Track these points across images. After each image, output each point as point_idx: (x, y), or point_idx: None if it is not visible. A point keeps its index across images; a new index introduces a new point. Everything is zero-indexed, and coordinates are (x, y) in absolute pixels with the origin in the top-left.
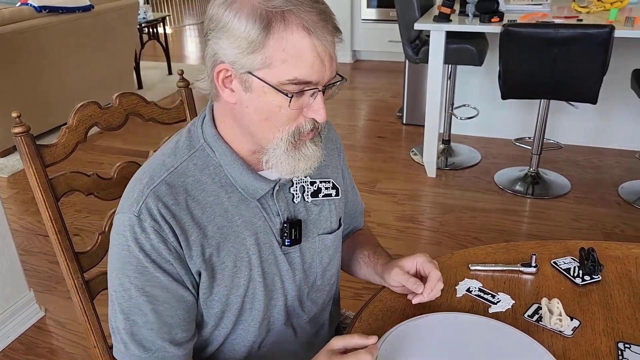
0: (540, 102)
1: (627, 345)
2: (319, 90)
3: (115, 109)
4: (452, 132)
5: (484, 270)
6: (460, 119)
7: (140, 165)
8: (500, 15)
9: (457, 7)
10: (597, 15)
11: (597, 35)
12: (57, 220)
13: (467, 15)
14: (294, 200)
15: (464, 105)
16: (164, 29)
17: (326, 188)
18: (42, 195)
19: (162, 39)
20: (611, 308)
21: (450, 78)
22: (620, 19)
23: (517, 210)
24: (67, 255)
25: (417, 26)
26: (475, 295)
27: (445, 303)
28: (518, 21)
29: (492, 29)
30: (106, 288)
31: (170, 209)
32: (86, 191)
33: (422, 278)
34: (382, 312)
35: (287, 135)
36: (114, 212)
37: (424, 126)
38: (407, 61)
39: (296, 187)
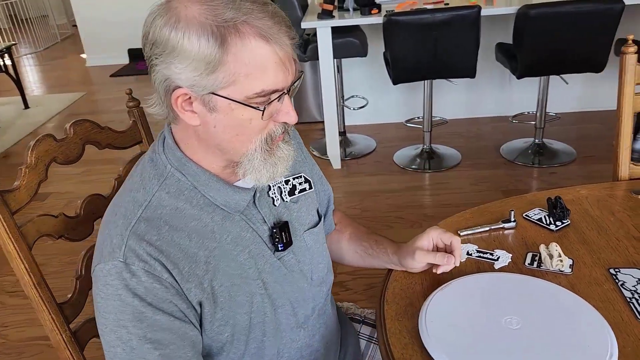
0: (425, 82)
1: (617, 270)
2: (285, 93)
3: (72, 140)
4: (345, 123)
5: (472, 234)
6: (353, 109)
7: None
8: (378, 7)
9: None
10: None
11: (468, 16)
12: (34, 272)
13: (347, 9)
14: (275, 203)
15: (353, 96)
16: (12, 60)
17: (300, 183)
18: (14, 246)
19: (10, 70)
20: (588, 243)
21: (338, 71)
22: (481, 0)
23: (423, 185)
24: (51, 309)
25: (305, 25)
26: (477, 257)
27: (454, 269)
28: (395, 11)
29: (374, 20)
30: (94, 336)
31: (155, 245)
32: (56, 234)
33: (438, 249)
34: (403, 291)
35: (261, 144)
36: (88, 254)
37: (316, 122)
38: None
39: (274, 189)
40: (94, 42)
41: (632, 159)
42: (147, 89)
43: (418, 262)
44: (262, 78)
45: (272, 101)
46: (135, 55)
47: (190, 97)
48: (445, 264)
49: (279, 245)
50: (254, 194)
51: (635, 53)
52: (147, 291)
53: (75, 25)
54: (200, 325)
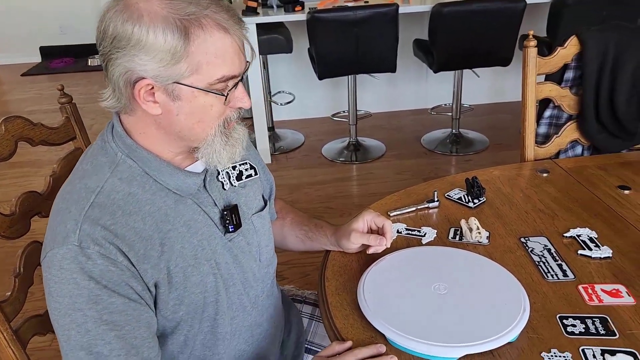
0: (349, 78)
1: (526, 238)
2: (240, 81)
3: (3, 137)
4: (273, 118)
5: (401, 214)
6: (280, 104)
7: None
8: (301, 4)
9: None
10: None
11: (387, 13)
12: None
13: (271, 6)
14: (224, 187)
15: (280, 92)
16: None
17: (246, 170)
18: None
19: None
20: (502, 217)
21: (264, 68)
22: None
23: (351, 176)
24: None
25: None
26: (406, 234)
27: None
28: (318, 8)
29: (298, 17)
30: (36, 333)
31: (110, 229)
32: None
33: (372, 231)
34: (342, 268)
35: (218, 129)
36: (26, 252)
37: (244, 119)
38: None
39: (223, 174)
40: (0, 40)
41: (536, 142)
42: (69, 88)
43: (353, 243)
44: (222, 65)
45: (231, 88)
46: (48, 53)
47: (152, 88)
48: (377, 245)
49: (230, 227)
50: (204, 178)
51: (535, 47)
52: (102, 274)
53: None
54: (155, 305)
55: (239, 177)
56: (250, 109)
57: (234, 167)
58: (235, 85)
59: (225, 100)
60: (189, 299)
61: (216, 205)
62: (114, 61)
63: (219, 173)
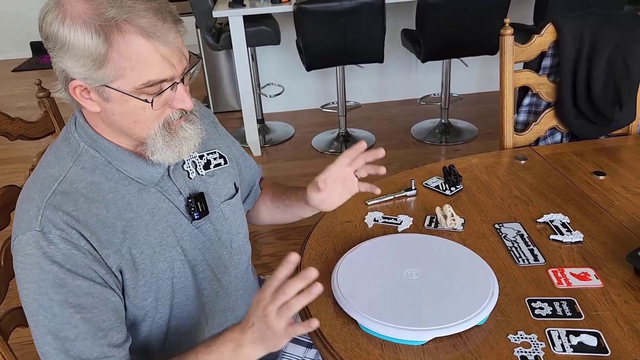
0: (337, 69)
1: (500, 224)
2: (177, 82)
3: None
4: (263, 110)
5: (379, 203)
6: (270, 96)
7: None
8: None
9: None
10: None
11: (374, 3)
12: None
13: None
14: (190, 176)
15: (269, 84)
16: None
17: (214, 159)
18: None
19: None
20: (478, 204)
21: (253, 60)
22: None
23: None
24: None
25: (216, 14)
26: (383, 222)
27: (363, 235)
28: None
29: (285, 8)
30: (18, 325)
31: (72, 214)
32: None
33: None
34: (318, 256)
35: (159, 129)
36: (6, 245)
37: (233, 112)
38: (202, 52)
39: (188, 163)
40: None
41: (516, 130)
42: (54, 83)
43: (322, 185)
44: (147, 70)
45: (164, 91)
46: (39, 48)
47: (86, 88)
48: (354, 152)
49: (195, 214)
50: (168, 167)
51: (512, 35)
52: (65, 258)
53: None
54: (124, 292)
55: (206, 166)
56: (240, 101)
57: (201, 157)
58: (172, 86)
59: (152, 105)
60: (157, 285)
61: (181, 193)
62: (53, 59)
63: (184, 162)
